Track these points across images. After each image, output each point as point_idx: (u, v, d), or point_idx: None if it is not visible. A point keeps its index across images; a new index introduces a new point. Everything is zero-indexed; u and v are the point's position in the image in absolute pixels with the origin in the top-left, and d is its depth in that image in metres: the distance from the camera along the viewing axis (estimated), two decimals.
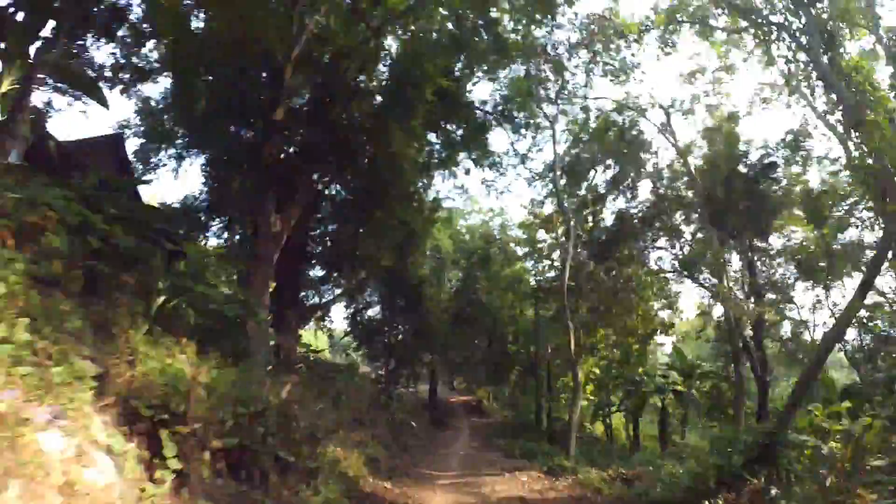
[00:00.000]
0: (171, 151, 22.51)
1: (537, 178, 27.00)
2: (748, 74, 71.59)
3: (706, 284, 29.89)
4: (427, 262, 32.02)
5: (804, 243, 27.14)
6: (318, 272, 31.68)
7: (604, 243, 29.31)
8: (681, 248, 30.21)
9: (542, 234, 31.90)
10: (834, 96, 14.71)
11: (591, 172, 26.76)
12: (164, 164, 22.73)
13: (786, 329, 28.19)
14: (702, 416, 29.84)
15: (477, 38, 19.61)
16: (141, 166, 22.21)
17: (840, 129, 15.90)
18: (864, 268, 20.26)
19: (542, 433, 27.08)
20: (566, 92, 25.31)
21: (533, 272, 33.27)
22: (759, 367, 23.47)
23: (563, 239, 25.23)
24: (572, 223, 23.34)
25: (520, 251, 36.16)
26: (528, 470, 17.24)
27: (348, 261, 24.44)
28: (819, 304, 27.16)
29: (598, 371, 35.70)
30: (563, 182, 26.64)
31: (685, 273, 30.06)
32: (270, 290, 14.62)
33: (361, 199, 22.13)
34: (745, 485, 10.22)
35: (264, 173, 15.62)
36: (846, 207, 25.11)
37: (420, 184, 25.96)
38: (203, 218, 23.76)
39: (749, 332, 24.68)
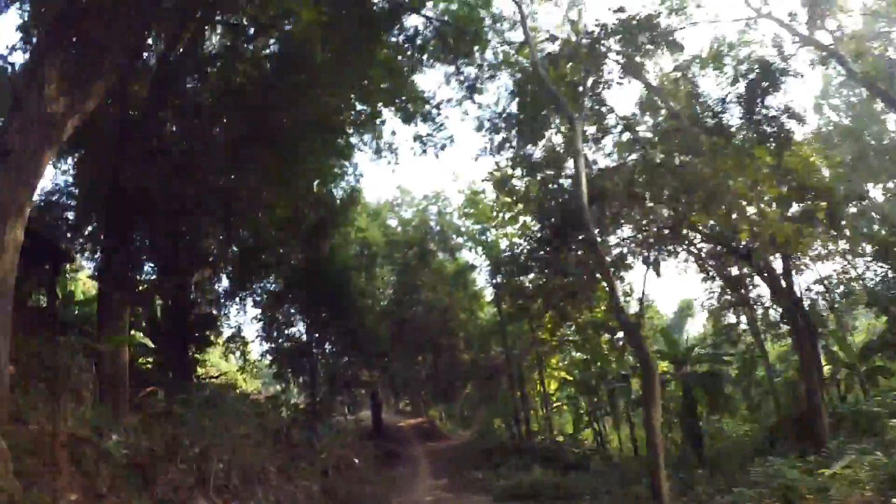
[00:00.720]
0: None
1: (492, 120, 21.18)
2: None
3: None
4: (353, 256, 25.79)
5: None
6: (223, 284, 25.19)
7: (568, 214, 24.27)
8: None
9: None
10: None
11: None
12: None
13: None
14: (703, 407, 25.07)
15: None
16: None
17: None
18: None
19: (524, 454, 21.32)
20: None
21: (483, 255, 27.49)
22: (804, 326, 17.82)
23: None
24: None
25: (463, 238, 30.57)
26: None
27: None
28: None
29: (569, 373, 30.82)
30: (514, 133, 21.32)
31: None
32: None
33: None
34: None
35: None
36: None
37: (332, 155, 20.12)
38: None
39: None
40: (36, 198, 13.64)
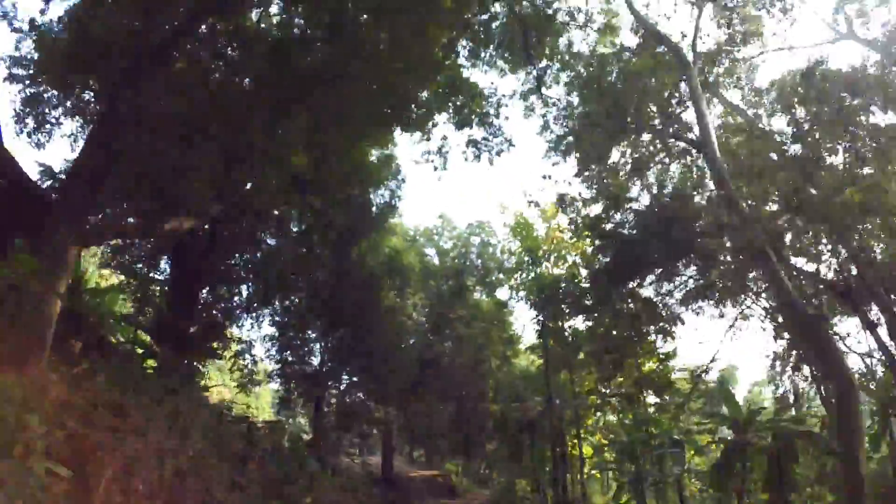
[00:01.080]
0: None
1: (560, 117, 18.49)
2: None
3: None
4: (384, 275, 22.99)
5: None
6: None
7: (624, 255, 21.31)
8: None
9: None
10: None
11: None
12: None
13: None
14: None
15: None
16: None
17: None
18: None
19: None
20: None
21: (528, 291, 24.34)
22: None
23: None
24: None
25: (503, 276, 27.54)
26: None
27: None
28: None
29: (604, 437, 27.23)
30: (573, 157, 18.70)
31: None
32: None
33: None
34: None
35: None
36: None
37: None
38: None
39: None
40: None
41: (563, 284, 22.00)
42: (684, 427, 22.62)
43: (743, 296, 24.09)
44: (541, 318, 23.22)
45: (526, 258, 23.21)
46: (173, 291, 18.33)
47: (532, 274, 23.26)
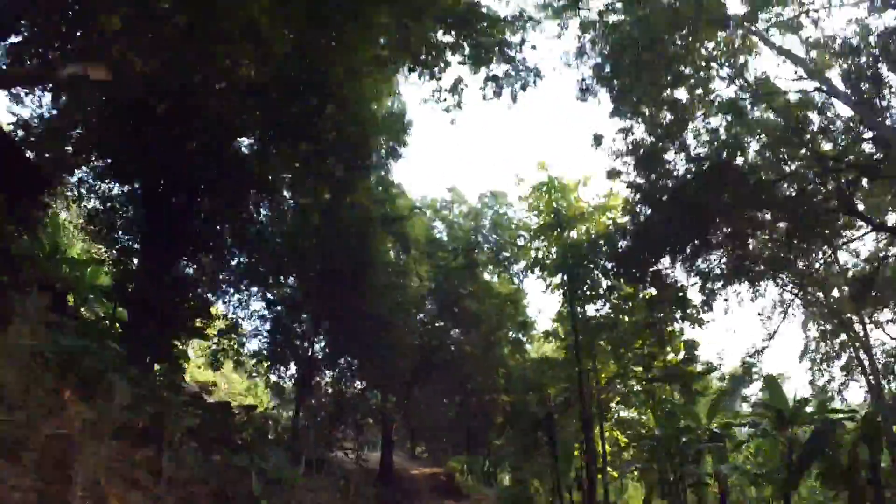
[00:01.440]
0: None
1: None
2: None
3: None
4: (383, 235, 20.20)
5: None
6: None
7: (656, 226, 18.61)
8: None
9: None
10: None
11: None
12: None
13: None
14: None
15: None
16: None
17: None
18: None
19: None
20: None
21: (546, 254, 21.26)
22: None
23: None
24: None
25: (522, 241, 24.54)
26: None
27: None
28: None
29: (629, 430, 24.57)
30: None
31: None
32: None
33: None
34: None
35: None
36: None
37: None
38: None
39: None
40: None
41: (602, 243, 19.21)
42: (722, 420, 20.04)
43: (786, 274, 21.71)
44: (567, 284, 20.27)
45: (552, 219, 20.27)
46: (145, 257, 15.74)
47: (558, 238, 20.22)
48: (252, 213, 18.49)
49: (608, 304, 22.45)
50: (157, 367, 14.56)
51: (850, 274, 23.46)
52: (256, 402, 24.59)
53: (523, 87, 14.55)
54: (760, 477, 17.54)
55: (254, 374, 25.85)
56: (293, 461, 13.75)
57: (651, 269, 19.69)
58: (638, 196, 18.59)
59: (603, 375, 23.48)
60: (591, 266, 19.35)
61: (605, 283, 20.02)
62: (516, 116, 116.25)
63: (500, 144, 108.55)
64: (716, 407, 19.40)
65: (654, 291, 20.79)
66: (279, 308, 22.73)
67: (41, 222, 14.99)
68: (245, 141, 17.48)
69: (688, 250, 19.37)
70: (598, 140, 16.59)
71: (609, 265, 18.88)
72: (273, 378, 22.99)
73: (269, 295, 22.91)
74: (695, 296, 20.51)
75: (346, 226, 17.94)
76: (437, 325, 25.96)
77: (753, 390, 24.46)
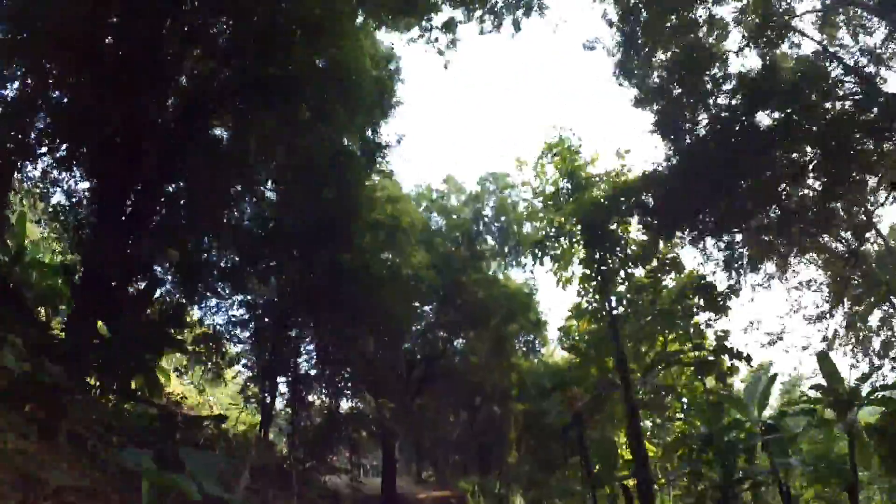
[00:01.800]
0: None
1: None
2: None
3: None
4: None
5: None
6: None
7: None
8: None
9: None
10: None
11: None
12: None
13: None
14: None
15: None
16: None
17: None
18: None
19: None
20: None
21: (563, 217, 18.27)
22: None
23: None
24: None
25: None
26: None
27: None
28: None
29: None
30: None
31: None
32: None
33: None
34: None
35: None
36: None
37: None
38: None
39: None
40: None
41: (623, 200, 16.64)
42: (781, 408, 17.44)
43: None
44: (590, 248, 17.42)
45: (566, 184, 17.43)
46: (106, 257, 12.94)
47: (578, 199, 17.30)
48: (229, 203, 16.19)
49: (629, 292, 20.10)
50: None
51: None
52: (245, 420, 21.67)
53: (527, 12, 11.92)
54: (826, 468, 14.86)
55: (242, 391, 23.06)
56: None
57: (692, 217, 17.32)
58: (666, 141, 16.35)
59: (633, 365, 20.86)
60: (615, 225, 16.85)
61: (632, 246, 17.50)
62: (517, 86, 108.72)
63: (500, 118, 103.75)
64: (767, 396, 16.89)
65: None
66: (260, 312, 19.98)
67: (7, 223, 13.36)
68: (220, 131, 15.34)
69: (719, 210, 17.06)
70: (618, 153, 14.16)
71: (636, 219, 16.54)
72: (253, 387, 20.01)
73: (249, 298, 20.27)
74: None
75: (330, 216, 15.50)
76: (440, 319, 23.00)
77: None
